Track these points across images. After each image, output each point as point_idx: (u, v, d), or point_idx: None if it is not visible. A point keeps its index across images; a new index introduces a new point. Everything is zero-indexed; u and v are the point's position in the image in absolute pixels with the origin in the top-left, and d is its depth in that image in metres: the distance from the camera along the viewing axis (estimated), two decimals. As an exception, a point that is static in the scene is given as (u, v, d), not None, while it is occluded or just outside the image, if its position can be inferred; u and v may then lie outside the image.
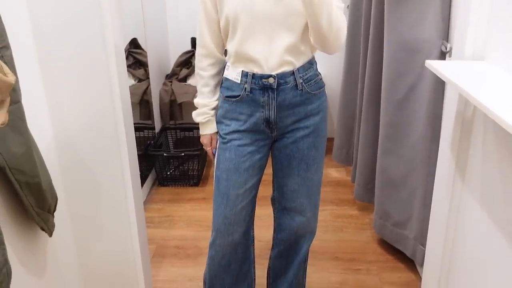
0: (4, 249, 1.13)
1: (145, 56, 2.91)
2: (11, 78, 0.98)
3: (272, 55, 1.37)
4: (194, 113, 1.57)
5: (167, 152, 3.01)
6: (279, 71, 1.39)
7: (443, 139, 1.68)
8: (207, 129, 1.57)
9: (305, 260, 1.71)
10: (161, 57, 3.31)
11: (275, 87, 1.40)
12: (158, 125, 3.17)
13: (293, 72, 1.40)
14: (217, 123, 1.54)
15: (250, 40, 1.37)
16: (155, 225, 2.51)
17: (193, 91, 3.06)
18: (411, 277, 2.09)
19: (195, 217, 2.58)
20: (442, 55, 1.70)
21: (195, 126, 3.32)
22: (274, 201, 1.64)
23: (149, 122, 3.04)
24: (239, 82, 1.43)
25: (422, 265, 1.93)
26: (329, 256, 2.24)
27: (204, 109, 1.54)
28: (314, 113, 1.47)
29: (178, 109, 3.18)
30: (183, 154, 2.92)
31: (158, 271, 2.14)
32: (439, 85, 1.74)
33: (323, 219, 2.52)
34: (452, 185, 1.65)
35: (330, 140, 3.12)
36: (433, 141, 1.82)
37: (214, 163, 1.56)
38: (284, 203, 1.60)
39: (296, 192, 1.55)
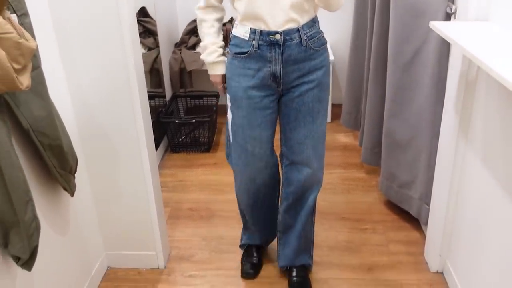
0: (33, 205, 1.21)
1: (154, 25, 2.93)
2: (33, 43, 1.04)
3: (279, 13, 1.45)
4: (204, 55, 1.63)
5: (178, 119, 3.07)
6: (285, 27, 1.47)
7: (447, 99, 1.72)
8: (218, 69, 1.64)
9: (312, 212, 1.80)
10: (170, 25, 3.33)
11: (282, 43, 1.48)
12: (168, 93, 3.22)
13: (298, 29, 1.48)
14: (227, 79, 1.63)
15: (259, 0, 1.43)
16: (169, 189, 2.60)
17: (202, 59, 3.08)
18: (416, 235, 2.16)
19: (206, 182, 2.67)
20: (448, 17, 1.72)
21: (205, 94, 3.36)
22: (282, 156, 1.73)
23: (160, 90, 3.09)
24: (247, 39, 1.51)
25: (426, 223, 2.00)
26: (337, 217, 2.32)
27: (214, 47, 1.61)
28: (318, 68, 1.56)
29: (188, 77, 3.22)
30: (194, 120, 2.99)
31: (174, 231, 2.24)
32: (444, 48, 1.77)
33: (331, 181, 2.59)
34: (455, 144, 1.69)
35: (339, 106, 3.16)
36: (437, 103, 1.85)
37: (227, 100, 1.65)
38: (291, 158, 1.69)
39: (303, 145, 1.65)
